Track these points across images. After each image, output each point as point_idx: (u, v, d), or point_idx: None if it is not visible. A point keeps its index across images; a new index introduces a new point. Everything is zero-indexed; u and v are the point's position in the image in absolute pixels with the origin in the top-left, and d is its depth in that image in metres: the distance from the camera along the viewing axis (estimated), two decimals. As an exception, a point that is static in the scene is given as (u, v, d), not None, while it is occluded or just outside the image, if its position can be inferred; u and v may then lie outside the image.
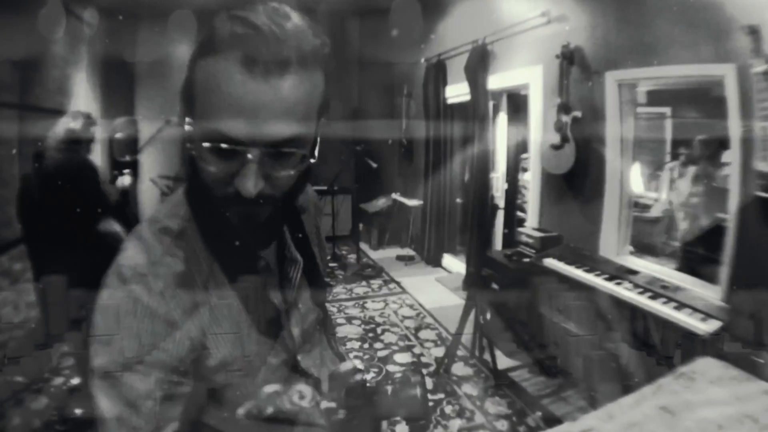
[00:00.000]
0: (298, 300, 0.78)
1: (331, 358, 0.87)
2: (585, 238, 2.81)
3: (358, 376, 0.70)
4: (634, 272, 2.42)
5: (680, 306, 2.09)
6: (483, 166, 3.86)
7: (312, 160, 0.64)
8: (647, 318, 2.18)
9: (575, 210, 2.98)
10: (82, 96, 4.19)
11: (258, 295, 0.71)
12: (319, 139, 0.64)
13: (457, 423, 2.40)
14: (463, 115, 4.35)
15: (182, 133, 0.62)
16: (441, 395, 2.69)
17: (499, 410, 2.49)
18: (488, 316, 2.87)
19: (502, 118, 4.10)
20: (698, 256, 2.47)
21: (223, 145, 0.57)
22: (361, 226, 5.90)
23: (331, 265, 5.23)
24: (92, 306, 0.61)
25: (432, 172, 4.87)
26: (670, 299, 2.15)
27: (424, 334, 3.53)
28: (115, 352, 0.59)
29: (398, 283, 4.65)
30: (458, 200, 4.89)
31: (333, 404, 0.68)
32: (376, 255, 5.63)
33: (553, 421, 2.36)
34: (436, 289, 4.46)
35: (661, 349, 2.15)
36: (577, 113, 2.73)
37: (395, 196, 5.83)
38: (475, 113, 3.91)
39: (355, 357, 3.16)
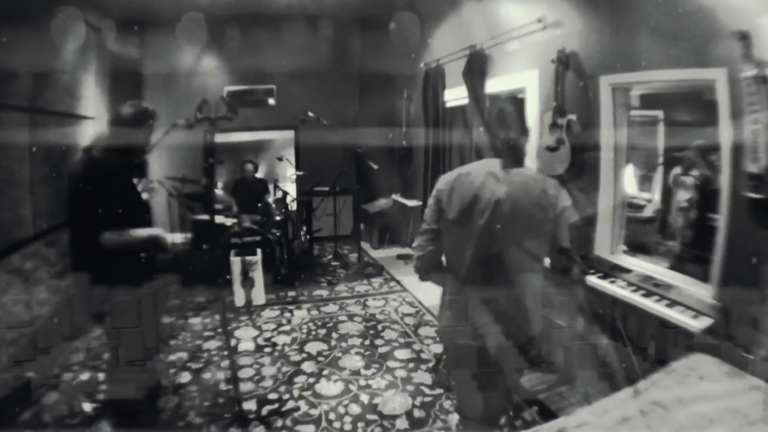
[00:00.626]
0: None
1: None
2: (579, 237, 2.86)
3: None
4: (627, 270, 2.49)
5: (672, 303, 2.15)
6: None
7: None
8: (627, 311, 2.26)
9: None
10: (91, 99, 4.26)
11: None
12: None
13: (455, 417, 2.45)
14: (461, 118, 4.42)
15: None
16: (440, 390, 2.76)
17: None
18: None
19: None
20: (690, 255, 2.52)
21: None
22: (362, 226, 5.97)
23: (333, 263, 5.30)
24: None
25: (431, 174, 4.93)
26: (662, 297, 2.21)
27: (423, 330, 3.60)
28: None
29: (398, 282, 4.72)
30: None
31: None
32: (377, 254, 5.70)
33: (549, 415, 2.43)
34: (435, 287, 4.51)
35: (636, 340, 2.22)
36: (572, 116, 2.79)
37: (395, 196, 5.89)
38: (473, 116, 3.98)
39: (356, 353, 3.23)
